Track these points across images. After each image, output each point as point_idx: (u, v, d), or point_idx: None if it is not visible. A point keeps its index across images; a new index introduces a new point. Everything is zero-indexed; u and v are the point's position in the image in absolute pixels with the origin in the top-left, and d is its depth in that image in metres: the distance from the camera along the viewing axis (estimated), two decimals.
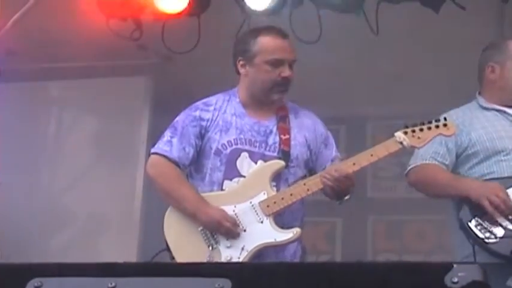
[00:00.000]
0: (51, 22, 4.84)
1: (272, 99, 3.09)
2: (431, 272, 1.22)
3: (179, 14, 4.52)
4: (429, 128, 2.98)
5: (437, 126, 2.99)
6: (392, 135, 2.97)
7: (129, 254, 5.21)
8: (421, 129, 2.96)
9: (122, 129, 5.64)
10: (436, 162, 3.28)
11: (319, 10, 4.53)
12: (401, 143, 2.93)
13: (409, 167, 3.36)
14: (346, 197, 3.03)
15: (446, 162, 3.29)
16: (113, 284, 1.42)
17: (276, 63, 3.04)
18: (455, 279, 1.21)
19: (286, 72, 3.04)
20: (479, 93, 3.51)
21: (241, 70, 3.13)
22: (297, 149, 3.09)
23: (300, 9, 4.56)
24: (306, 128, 3.17)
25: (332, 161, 3.14)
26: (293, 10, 4.53)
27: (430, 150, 3.27)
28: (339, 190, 2.96)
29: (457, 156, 3.31)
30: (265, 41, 3.08)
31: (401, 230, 5.96)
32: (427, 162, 3.29)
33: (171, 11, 4.53)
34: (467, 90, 5.39)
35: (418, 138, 2.96)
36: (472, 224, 3.06)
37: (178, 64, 5.35)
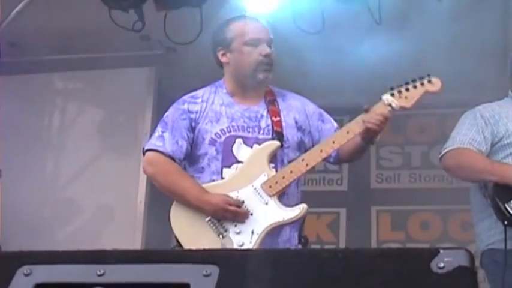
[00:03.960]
0: (53, 14, 4.85)
1: (258, 79, 3.09)
2: (417, 258, 1.22)
3: None
4: (415, 87, 2.90)
5: (422, 84, 2.91)
6: (380, 99, 2.91)
7: (134, 244, 5.23)
8: (407, 89, 2.89)
9: (126, 120, 5.66)
10: (473, 148, 3.33)
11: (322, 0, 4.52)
12: (390, 105, 2.87)
13: (445, 150, 3.40)
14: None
15: (483, 150, 3.35)
16: (102, 272, 1.42)
17: (254, 43, 3.07)
18: (442, 265, 1.20)
19: (265, 50, 3.06)
20: None
21: (223, 59, 3.15)
22: (288, 131, 3.08)
23: None
24: (295, 110, 3.16)
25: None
26: (295, 0, 4.52)
27: (467, 136, 3.35)
28: (376, 133, 2.91)
29: (492, 145, 3.37)
30: (239, 25, 3.13)
31: (406, 220, 5.95)
32: (465, 146, 3.34)
33: None
34: (472, 79, 5.39)
35: (406, 98, 2.89)
36: (509, 206, 3.12)
37: (181, 55, 5.35)
